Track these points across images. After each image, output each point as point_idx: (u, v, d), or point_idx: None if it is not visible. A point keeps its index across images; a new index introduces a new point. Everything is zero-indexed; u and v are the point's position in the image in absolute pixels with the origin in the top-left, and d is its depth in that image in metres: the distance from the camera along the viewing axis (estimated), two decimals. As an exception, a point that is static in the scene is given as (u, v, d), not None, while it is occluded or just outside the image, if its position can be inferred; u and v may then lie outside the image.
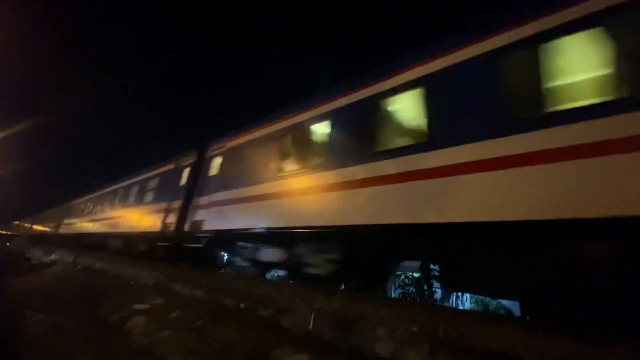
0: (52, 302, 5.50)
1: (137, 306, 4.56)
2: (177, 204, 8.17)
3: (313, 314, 3.50)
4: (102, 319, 4.42)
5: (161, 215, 8.56)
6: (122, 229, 10.82)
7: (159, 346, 3.30)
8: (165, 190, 9.11)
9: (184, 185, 8.40)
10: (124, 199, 11.71)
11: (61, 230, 12.35)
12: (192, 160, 8.64)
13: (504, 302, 11.71)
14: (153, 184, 10.07)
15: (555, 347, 2.24)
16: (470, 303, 11.87)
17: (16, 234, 30.92)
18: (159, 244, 8.37)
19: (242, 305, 4.30)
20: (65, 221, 13.37)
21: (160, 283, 6.14)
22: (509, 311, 11.35)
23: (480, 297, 11.54)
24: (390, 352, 2.73)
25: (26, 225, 30.33)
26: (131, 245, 10.08)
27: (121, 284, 6.46)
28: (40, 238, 18.89)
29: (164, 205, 8.73)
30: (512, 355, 2.29)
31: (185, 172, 8.66)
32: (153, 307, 4.49)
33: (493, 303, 11.39)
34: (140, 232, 9.53)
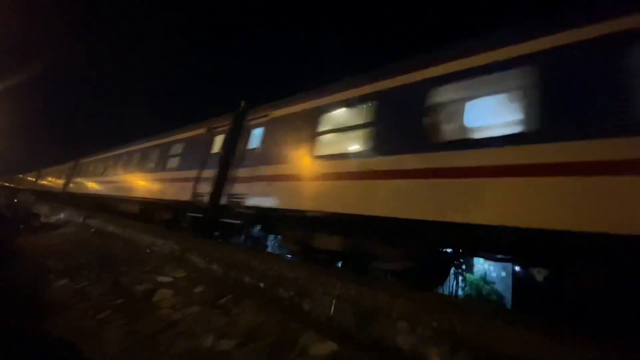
0: (72, 267, 5.70)
1: (160, 278, 4.76)
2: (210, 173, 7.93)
3: (334, 301, 3.71)
4: (126, 289, 4.62)
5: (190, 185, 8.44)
6: (140, 194, 11.07)
7: (189, 322, 3.50)
8: (195, 158, 8.95)
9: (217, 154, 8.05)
10: (141, 163, 11.92)
11: (68, 189, 14.72)
12: (227, 127, 8.23)
13: (497, 287, 12.26)
14: (178, 149, 9.94)
15: (573, 355, 2.43)
16: (465, 286, 12.38)
17: (21, 187, 31.57)
18: (188, 214, 8.35)
19: (261, 285, 4.51)
20: (73, 179, 15.76)
21: (175, 253, 6.35)
22: (500, 296, 11.92)
23: (475, 282, 12.05)
24: (411, 346, 2.94)
25: (30, 179, 31.68)
26: (152, 211, 10.42)
27: (137, 252, 6.67)
28: (45, 194, 19.67)
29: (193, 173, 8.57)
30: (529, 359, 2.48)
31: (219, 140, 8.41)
32: (176, 280, 4.70)
33: (487, 288, 11.91)
34: (164, 200, 9.49)
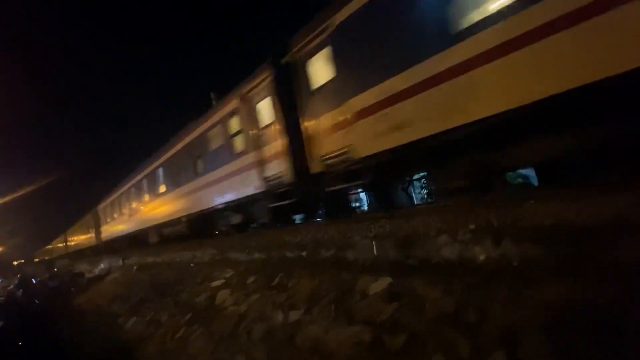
0: (134, 305, 6.09)
1: (214, 283, 5.05)
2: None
3: (374, 242, 3.90)
4: (189, 304, 4.95)
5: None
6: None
7: (255, 309, 3.77)
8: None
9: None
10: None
11: (100, 238, 12.23)
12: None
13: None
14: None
15: (601, 206, 2.54)
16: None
17: (54, 256, 32.35)
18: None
19: (304, 254, 4.74)
20: (101, 228, 13.02)
21: (216, 257, 6.66)
22: (525, 177, 12.11)
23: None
24: (457, 253, 3.11)
25: (77, 237, 28.76)
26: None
27: (182, 270, 7.01)
28: (79, 252, 19.88)
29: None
30: (566, 224, 2.61)
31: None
32: (228, 280, 4.97)
33: (508, 174, 12.08)
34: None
